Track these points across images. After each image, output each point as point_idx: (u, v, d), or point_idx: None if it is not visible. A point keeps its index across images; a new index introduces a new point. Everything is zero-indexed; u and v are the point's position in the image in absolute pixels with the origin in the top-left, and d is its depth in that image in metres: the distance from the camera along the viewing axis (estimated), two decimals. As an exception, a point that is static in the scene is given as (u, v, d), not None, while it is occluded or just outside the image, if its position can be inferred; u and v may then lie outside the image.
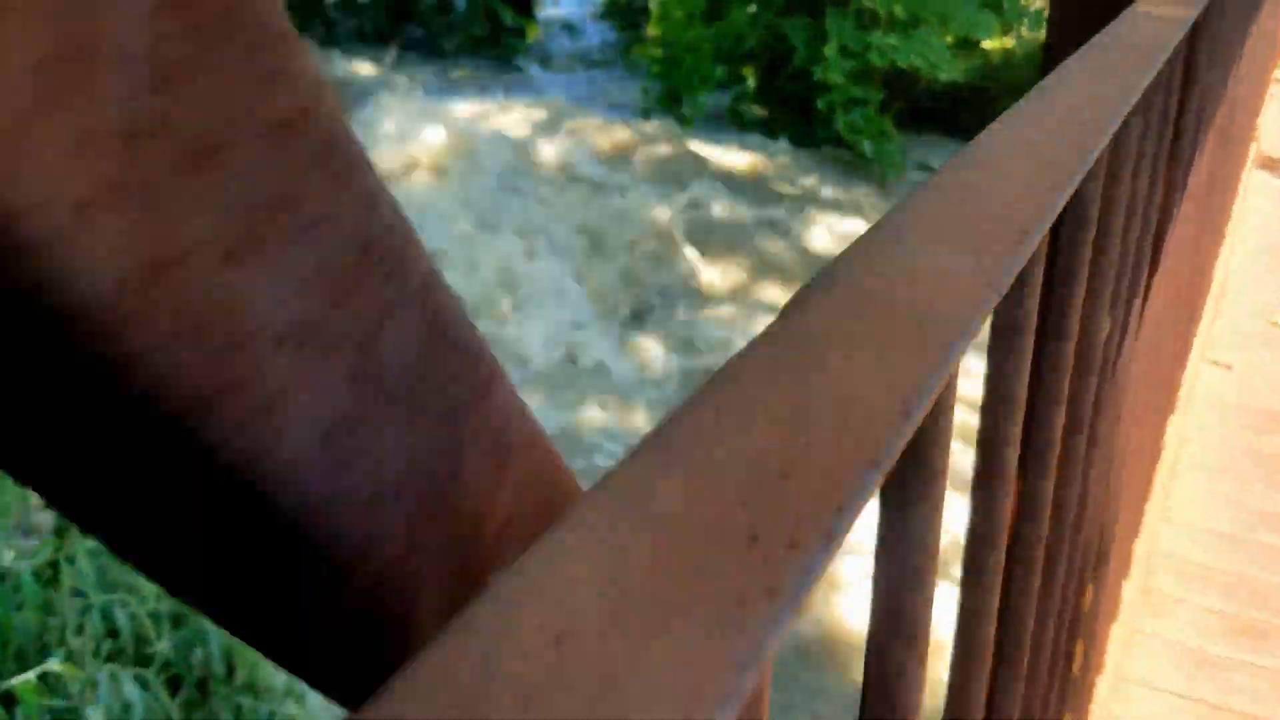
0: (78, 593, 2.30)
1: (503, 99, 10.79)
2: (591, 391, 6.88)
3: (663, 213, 8.76)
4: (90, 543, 2.37)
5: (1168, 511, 2.35)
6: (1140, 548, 2.09)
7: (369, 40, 12.90)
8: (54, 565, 2.30)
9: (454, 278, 7.24)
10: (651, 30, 11.28)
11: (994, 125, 0.60)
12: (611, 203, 8.84)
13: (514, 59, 12.90)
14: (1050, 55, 1.49)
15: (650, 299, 7.96)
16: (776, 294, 8.09)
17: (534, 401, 6.36)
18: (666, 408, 6.56)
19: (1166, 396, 2.30)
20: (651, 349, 7.41)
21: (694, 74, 10.55)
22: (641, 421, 6.62)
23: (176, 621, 2.46)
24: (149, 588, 2.40)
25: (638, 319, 7.76)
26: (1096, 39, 0.87)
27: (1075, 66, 0.77)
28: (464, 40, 12.98)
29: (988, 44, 11.66)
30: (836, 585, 5.18)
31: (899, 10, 9.92)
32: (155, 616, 2.41)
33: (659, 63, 10.74)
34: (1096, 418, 0.95)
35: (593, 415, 6.68)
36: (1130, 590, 1.98)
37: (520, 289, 7.74)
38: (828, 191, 10.06)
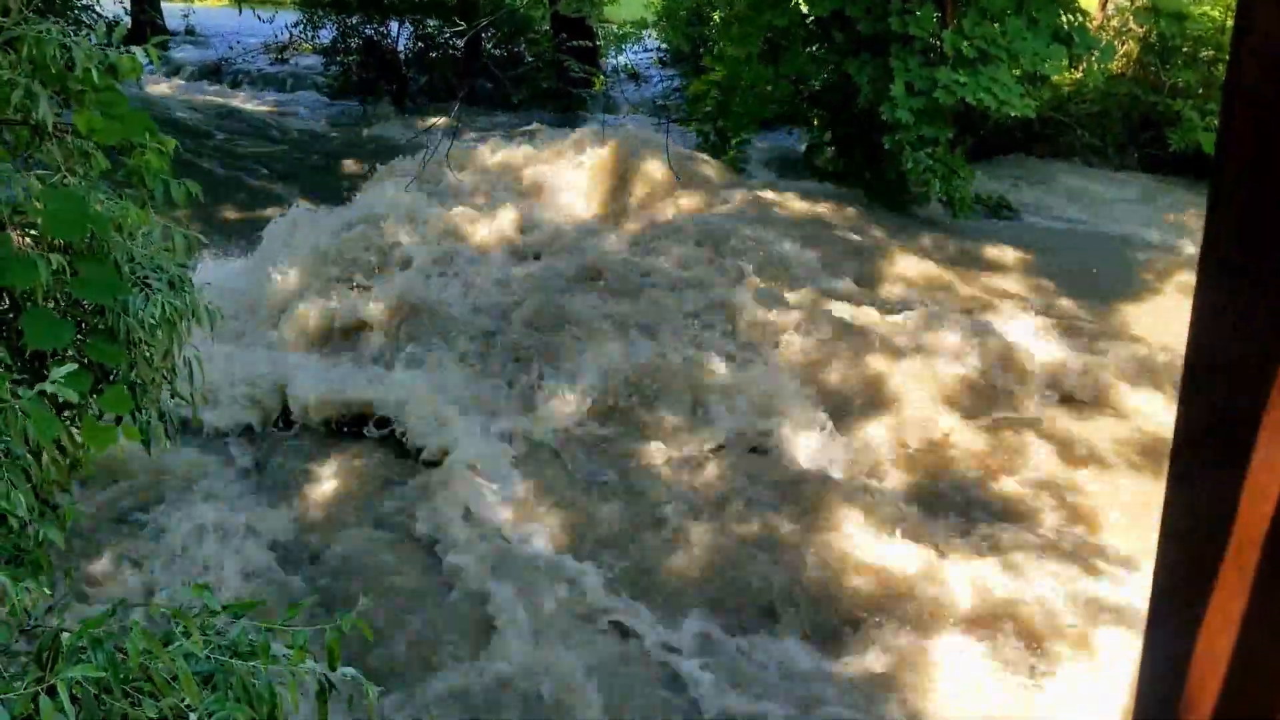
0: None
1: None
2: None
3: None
4: (72, 672, 2.30)
5: None
6: None
7: (440, 97, 13.17)
8: (33, 700, 2.23)
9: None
10: (709, 73, 11.25)
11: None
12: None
13: (580, 109, 13.02)
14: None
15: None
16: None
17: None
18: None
19: None
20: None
21: (744, 116, 10.47)
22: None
23: None
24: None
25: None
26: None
27: None
28: (532, 93, 13.16)
29: (1058, 77, 11.31)
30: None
31: (966, 47, 9.65)
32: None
33: (712, 104, 10.70)
34: None
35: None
36: None
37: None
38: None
